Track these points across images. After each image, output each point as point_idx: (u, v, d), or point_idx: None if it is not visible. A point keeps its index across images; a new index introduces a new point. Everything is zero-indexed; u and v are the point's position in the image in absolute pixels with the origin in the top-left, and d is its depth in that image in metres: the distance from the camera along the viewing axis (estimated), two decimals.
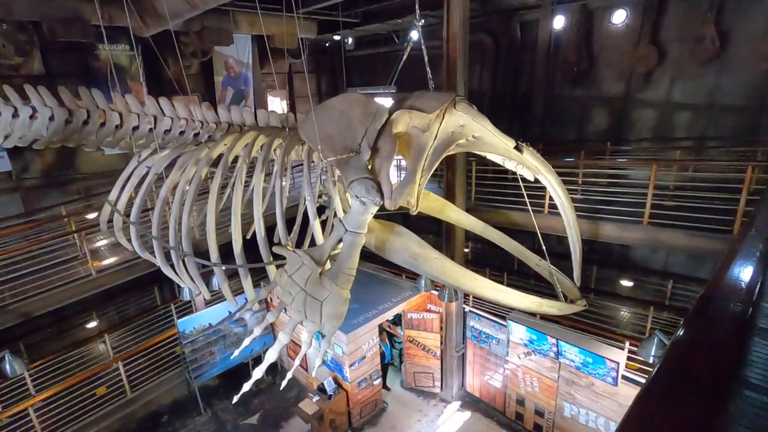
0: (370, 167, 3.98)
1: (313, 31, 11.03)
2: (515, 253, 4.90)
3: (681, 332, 1.37)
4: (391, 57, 13.42)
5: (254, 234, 3.97)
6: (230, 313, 9.37)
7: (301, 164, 4.61)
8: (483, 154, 4.28)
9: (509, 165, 4.24)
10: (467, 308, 8.50)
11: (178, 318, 8.87)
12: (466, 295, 8.60)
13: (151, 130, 5.01)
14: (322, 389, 8.07)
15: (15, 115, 5.02)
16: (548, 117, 10.04)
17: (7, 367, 6.60)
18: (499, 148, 4.05)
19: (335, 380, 8.24)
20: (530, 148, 4.13)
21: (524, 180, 4.10)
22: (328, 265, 4.11)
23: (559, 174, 6.86)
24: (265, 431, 8.38)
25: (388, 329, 9.86)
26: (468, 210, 8.00)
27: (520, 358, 7.73)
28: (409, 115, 4.03)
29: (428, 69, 4.59)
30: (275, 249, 3.96)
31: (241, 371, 9.15)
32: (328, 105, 4.18)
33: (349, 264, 3.96)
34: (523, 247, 4.78)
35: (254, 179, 3.97)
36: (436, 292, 8.26)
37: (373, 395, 8.58)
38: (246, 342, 3.96)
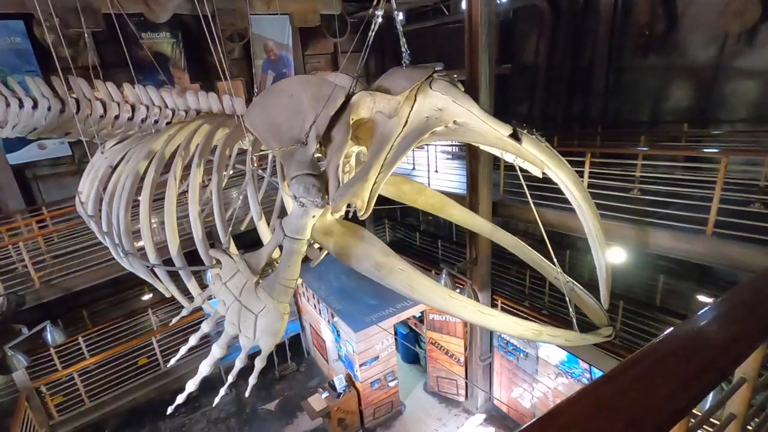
0: (320, 162, 3.34)
1: (336, 6, 10.36)
2: (530, 262, 3.97)
3: None
4: (440, 31, 12.35)
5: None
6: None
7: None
8: (470, 143, 3.41)
9: (509, 158, 3.30)
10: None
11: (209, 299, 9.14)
12: (494, 298, 7.66)
13: (130, 119, 4.93)
14: (332, 386, 7.79)
15: (21, 106, 5.22)
16: (612, 94, 8.36)
17: (48, 336, 7.25)
18: (489, 136, 3.04)
19: (347, 378, 7.91)
20: (532, 136, 3.04)
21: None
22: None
23: (610, 164, 5.58)
24: (281, 419, 8.38)
25: (414, 327, 9.26)
26: (496, 206, 7.02)
27: (551, 378, 6.68)
28: (372, 97, 3.26)
29: (402, 39, 3.76)
30: (211, 252, 3.57)
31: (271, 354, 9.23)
32: (277, 88, 3.58)
33: (286, 274, 3.42)
34: (538, 256, 3.83)
35: (191, 173, 3.58)
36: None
37: (389, 397, 8.11)
38: (204, 370, 3.64)
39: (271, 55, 11.31)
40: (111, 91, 4.92)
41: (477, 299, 6.93)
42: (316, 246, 3.44)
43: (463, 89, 3.04)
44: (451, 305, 3.04)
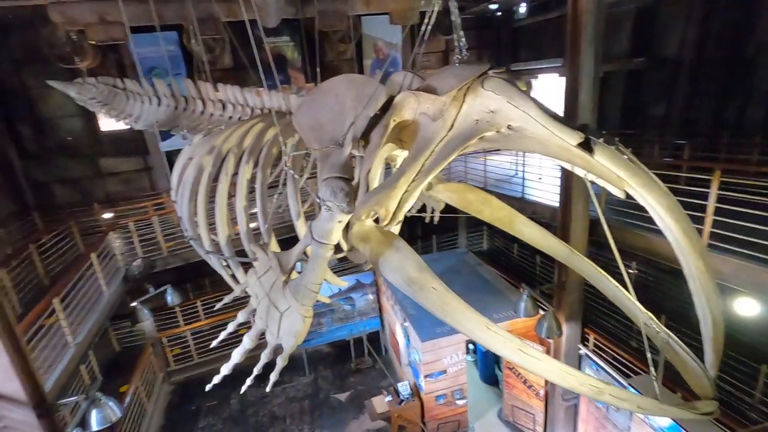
0: (354, 164, 3.24)
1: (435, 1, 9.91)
2: (614, 300, 3.26)
3: None
4: (563, 23, 11.01)
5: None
6: (340, 290, 9.83)
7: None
8: (529, 153, 2.96)
9: (579, 172, 2.72)
10: (584, 350, 6.50)
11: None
12: (585, 332, 6.59)
13: (220, 115, 5.46)
14: (397, 391, 7.65)
15: (149, 103, 6.21)
16: None
17: (168, 297, 8.58)
18: (550, 145, 2.45)
19: (412, 386, 7.68)
20: (611, 147, 2.39)
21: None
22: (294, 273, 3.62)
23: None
24: (349, 410, 8.57)
25: None
26: (594, 225, 5.98)
27: None
28: (416, 98, 3.00)
29: (459, 32, 3.36)
30: (251, 247, 3.73)
31: (347, 347, 9.59)
32: (323, 87, 3.55)
33: (311, 278, 3.38)
34: (625, 293, 3.12)
35: (239, 169, 3.77)
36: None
37: (456, 415, 7.64)
38: (235, 357, 3.84)
39: (380, 54, 11.52)
40: (209, 90, 5.51)
41: (560, 329, 6.03)
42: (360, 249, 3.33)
43: (525, 88, 2.53)
44: (489, 338, 2.57)
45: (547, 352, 7.02)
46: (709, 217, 4.33)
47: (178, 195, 4.39)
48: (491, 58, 13.31)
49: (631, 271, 8.81)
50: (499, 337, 2.38)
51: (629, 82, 9.19)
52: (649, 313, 3.03)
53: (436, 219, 4.47)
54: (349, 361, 9.83)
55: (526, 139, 2.42)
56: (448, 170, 10.47)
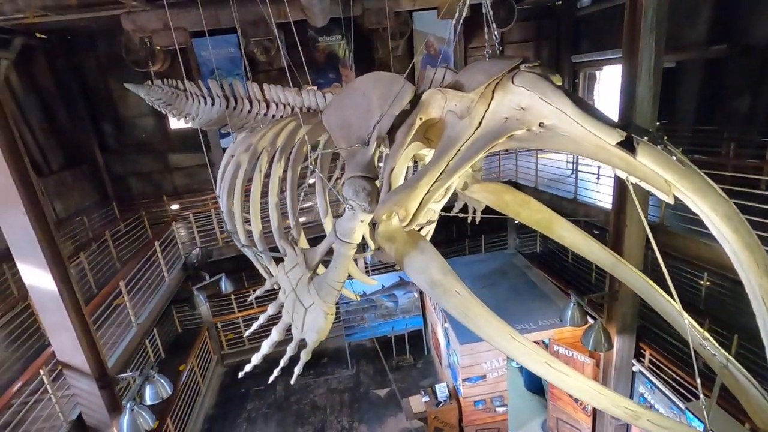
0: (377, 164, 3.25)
1: None
2: (666, 317, 2.99)
3: None
4: None
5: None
6: (383, 287, 9.88)
7: None
8: (563, 153, 2.79)
9: (621, 174, 2.51)
10: (637, 367, 5.98)
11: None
12: (641, 346, 6.06)
13: (265, 114, 5.68)
14: (434, 392, 7.56)
15: (204, 103, 6.62)
16: None
17: (222, 285, 9.14)
18: (586, 144, 2.26)
19: (450, 389, 7.54)
20: (656, 147, 2.15)
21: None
22: (322, 270, 3.70)
23: None
24: (387, 407, 8.61)
25: None
26: (655, 229, 5.46)
27: None
28: (443, 95, 2.95)
29: (492, 25, 3.21)
30: (279, 242, 3.85)
31: (389, 344, 9.66)
32: (352, 86, 3.58)
33: (334, 275, 3.44)
34: (676, 309, 2.86)
35: (272, 167, 3.90)
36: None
37: (495, 422, 7.39)
38: (264, 348, 4.00)
39: (431, 50, 11.34)
40: (255, 90, 5.76)
41: (609, 342, 5.59)
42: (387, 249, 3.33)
43: (559, 83, 2.36)
44: (513, 348, 2.45)
45: (597, 366, 6.56)
46: None
47: (220, 190, 4.65)
48: (551, 50, 12.60)
49: (702, 282, 7.95)
50: (524, 348, 2.22)
51: (708, 73, 8.25)
52: (705, 332, 2.72)
53: (478, 219, 4.33)
54: (391, 358, 9.86)
55: (560, 138, 2.22)
56: (498, 169, 10.09)
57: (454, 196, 4.16)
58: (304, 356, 3.75)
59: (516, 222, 11.20)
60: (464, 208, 4.33)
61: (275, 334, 3.92)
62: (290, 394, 9.27)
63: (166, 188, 12.36)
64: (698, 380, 2.12)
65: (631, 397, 6.20)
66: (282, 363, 4.08)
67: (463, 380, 7.10)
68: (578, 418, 6.94)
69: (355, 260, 4.19)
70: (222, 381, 10.01)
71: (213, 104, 6.51)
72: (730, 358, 2.78)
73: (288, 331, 3.71)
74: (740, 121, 7.75)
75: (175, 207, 11.56)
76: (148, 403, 5.39)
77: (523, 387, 8.68)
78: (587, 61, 11.79)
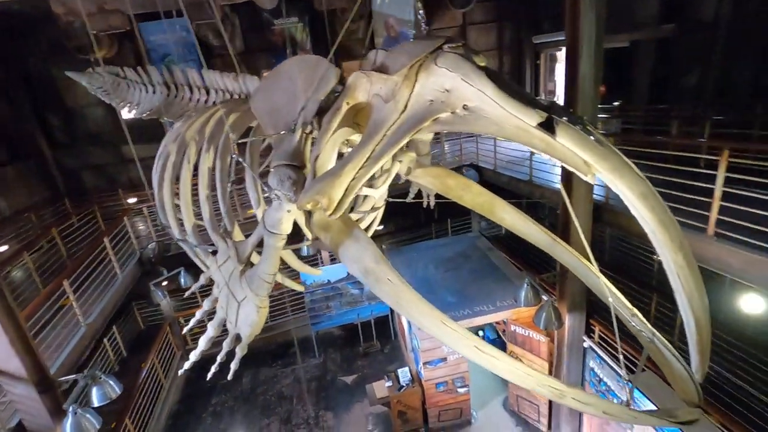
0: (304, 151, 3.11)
1: None
2: (596, 291, 3.08)
3: None
4: None
5: None
6: (349, 274, 9.80)
7: None
8: (489, 136, 2.76)
9: (546, 156, 2.48)
10: (588, 343, 6.14)
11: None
12: (591, 323, 6.21)
13: (205, 101, 5.43)
14: (397, 377, 7.61)
15: (146, 91, 6.30)
16: None
17: (182, 279, 8.90)
18: (508, 126, 2.19)
19: (413, 373, 7.60)
20: (575, 127, 2.10)
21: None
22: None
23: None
24: (354, 394, 8.63)
25: (502, 334, 8.29)
26: (598, 210, 5.53)
27: None
28: (368, 78, 2.81)
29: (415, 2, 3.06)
30: (212, 234, 3.70)
31: (356, 331, 9.64)
32: (279, 70, 3.41)
33: (264, 268, 3.32)
34: (609, 285, 2.91)
35: (200, 157, 3.73)
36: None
37: (457, 403, 7.51)
38: (201, 345, 3.87)
39: (391, 32, 11.11)
40: (194, 77, 5.49)
41: (560, 320, 5.70)
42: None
43: (483, 63, 2.26)
44: (444, 334, 2.41)
45: (552, 343, 6.69)
46: (716, 203, 3.84)
47: (154, 183, 4.44)
48: (513, 31, 12.54)
49: (655, 258, 8.18)
50: (455, 333, 2.22)
51: (659, 52, 8.36)
52: (634, 309, 2.79)
53: (432, 204, 4.28)
54: (358, 344, 9.88)
55: (483, 120, 2.15)
56: (460, 152, 10.07)
57: (410, 182, 4.10)
58: (240, 351, 3.65)
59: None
60: (419, 194, 4.27)
61: (210, 329, 3.81)
62: (257, 385, 9.18)
63: (122, 181, 11.88)
64: (621, 356, 2.15)
65: (583, 372, 6.38)
66: (219, 359, 3.97)
67: (425, 363, 7.16)
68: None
69: (297, 251, 4.08)
70: (187, 376, 9.82)
71: (154, 92, 6.20)
72: (656, 332, 2.86)
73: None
74: (689, 98, 7.91)
75: (132, 200, 11.13)
76: (95, 404, 5.21)
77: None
78: (548, 41, 11.80)
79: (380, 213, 4.53)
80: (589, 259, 2.77)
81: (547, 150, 1.89)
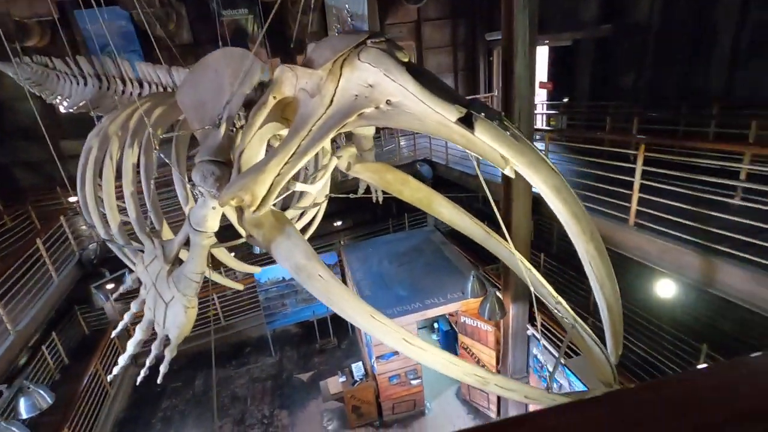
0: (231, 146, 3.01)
1: None
2: (529, 283, 3.25)
3: None
4: None
5: None
6: None
7: None
8: (413, 131, 2.76)
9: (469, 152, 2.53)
10: (531, 331, 6.39)
11: (263, 266, 9.70)
12: (532, 312, 6.46)
13: (140, 95, 5.20)
14: (351, 372, 7.63)
15: (77, 83, 5.95)
16: (747, 60, 5.93)
17: (128, 281, 8.50)
18: (429, 121, 2.21)
19: (366, 367, 7.65)
20: (493, 123, 2.12)
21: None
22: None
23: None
24: (310, 391, 8.58)
25: (455, 326, 8.48)
26: (538, 200, 5.75)
27: None
28: (293, 72, 2.74)
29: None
30: (139, 234, 3.56)
31: (313, 328, 9.59)
32: (204, 62, 3.29)
33: (191, 267, 3.21)
34: (538, 276, 3.07)
35: (124, 153, 3.57)
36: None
37: (410, 395, 7.63)
38: (130, 348, 3.73)
39: (344, 26, 11.01)
40: (127, 69, 5.23)
41: (503, 310, 5.89)
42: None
43: (405, 59, 2.25)
44: (374, 327, 2.44)
45: (499, 332, 6.92)
46: (635, 195, 4.09)
47: (77, 179, 4.21)
48: (467, 28, 12.75)
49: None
50: (384, 327, 2.28)
51: (598, 51, 8.75)
52: (559, 297, 2.96)
53: (380, 199, 4.29)
54: (315, 341, 9.82)
55: (406, 116, 2.19)
56: (414, 147, 10.17)
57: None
58: (168, 354, 3.57)
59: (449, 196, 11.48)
60: (369, 189, 4.27)
61: (138, 332, 3.71)
62: (209, 388, 8.95)
63: (60, 179, 11.15)
64: (557, 360, 2.25)
65: (528, 360, 6.63)
66: (148, 363, 3.85)
67: (377, 357, 7.22)
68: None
69: (232, 249, 3.99)
70: (135, 381, 9.44)
71: (86, 84, 5.88)
72: (578, 319, 3.02)
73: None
74: (626, 97, 8.33)
75: (73, 199, 10.49)
76: (24, 416, 4.92)
77: None
78: (500, 39, 12.06)
79: (322, 208, 4.51)
80: (528, 255, 2.91)
81: (467, 145, 1.95)
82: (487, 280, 6.68)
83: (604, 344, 2.33)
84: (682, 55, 6.88)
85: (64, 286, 7.73)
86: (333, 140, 3.43)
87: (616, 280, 2.11)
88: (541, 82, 11.13)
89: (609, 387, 2.60)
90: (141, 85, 5.14)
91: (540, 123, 10.56)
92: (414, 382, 7.52)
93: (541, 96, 11.07)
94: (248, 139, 2.67)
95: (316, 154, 4.63)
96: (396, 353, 7.29)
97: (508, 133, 1.89)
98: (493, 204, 2.87)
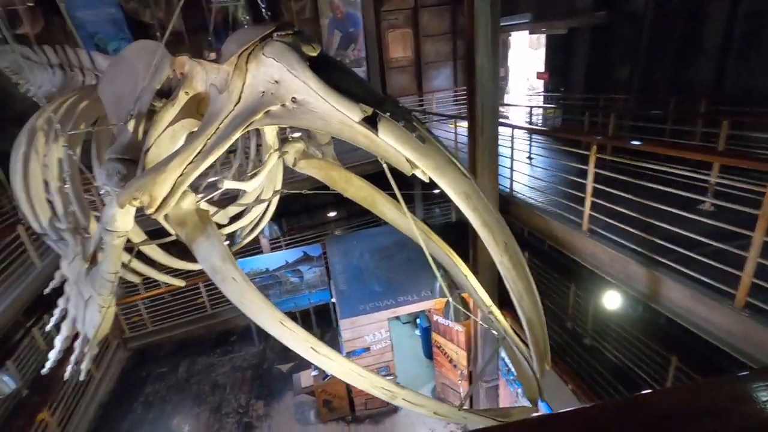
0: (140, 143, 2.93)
1: None
2: (463, 288, 3.29)
3: None
4: None
5: None
6: (287, 262, 9.68)
7: None
8: (318, 132, 2.72)
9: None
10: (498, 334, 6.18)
11: (247, 257, 9.73)
12: (504, 314, 6.25)
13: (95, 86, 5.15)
14: None
15: (47, 72, 5.94)
16: (738, 53, 5.46)
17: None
18: (332, 121, 2.06)
19: None
20: (398, 123, 1.95)
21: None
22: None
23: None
24: (288, 382, 8.60)
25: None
26: (505, 202, 5.51)
27: None
28: (202, 66, 2.62)
29: None
30: (62, 229, 3.53)
31: (297, 319, 9.55)
32: (123, 54, 3.21)
33: (105, 266, 3.16)
34: (474, 282, 3.05)
35: (48, 147, 3.52)
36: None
37: None
38: (58, 345, 3.72)
39: (337, 13, 10.77)
40: (84, 59, 5.18)
41: (468, 312, 5.72)
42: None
43: (314, 53, 2.07)
44: (283, 333, 2.35)
45: (467, 333, 6.75)
46: (588, 199, 3.82)
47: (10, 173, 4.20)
48: (467, 15, 12.27)
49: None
50: (292, 333, 2.20)
51: (594, 40, 8.29)
52: (492, 307, 2.83)
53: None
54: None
55: (310, 114, 2.04)
56: None
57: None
58: (88, 351, 3.55)
59: (420, 192, 11.22)
60: (324, 185, 4.15)
61: (63, 328, 3.69)
62: (192, 375, 9.10)
63: None
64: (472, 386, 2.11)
65: (498, 362, 6.45)
66: (73, 359, 3.85)
67: (348, 353, 7.15)
68: (457, 381, 7.22)
69: (167, 245, 3.93)
70: (123, 366, 9.68)
71: (54, 74, 5.87)
72: (509, 330, 2.88)
73: None
74: (621, 88, 7.90)
75: None
76: None
77: (423, 356, 8.92)
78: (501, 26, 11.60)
79: (273, 204, 4.39)
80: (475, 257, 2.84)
81: (371, 147, 1.78)
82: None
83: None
84: (674, 50, 6.42)
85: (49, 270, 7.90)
86: (281, 135, 3.33)
87: (537, 293, 1.91)
88: (538, 73, 10.69)
89: (534, 404, 2.46)
90: (98, 77, 5.09)
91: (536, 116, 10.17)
92: (386, 378, 7.44)
93: (538, 88, 10.64)
94: (155, 137, 2.56)
95: (258, 149, 4.51)
96: (367, 349, 7.22)
97: (415, 134, 1.73)
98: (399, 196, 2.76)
